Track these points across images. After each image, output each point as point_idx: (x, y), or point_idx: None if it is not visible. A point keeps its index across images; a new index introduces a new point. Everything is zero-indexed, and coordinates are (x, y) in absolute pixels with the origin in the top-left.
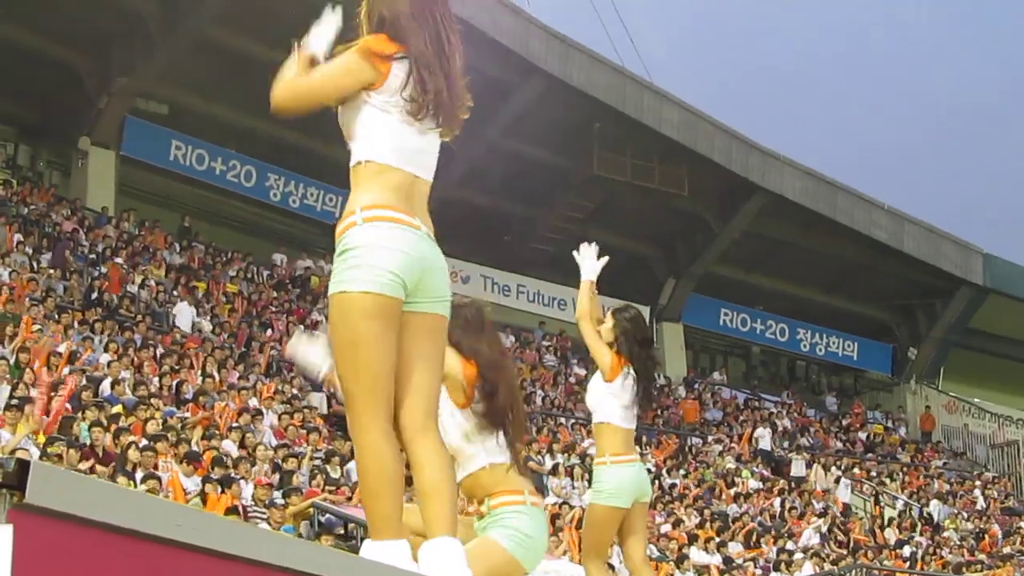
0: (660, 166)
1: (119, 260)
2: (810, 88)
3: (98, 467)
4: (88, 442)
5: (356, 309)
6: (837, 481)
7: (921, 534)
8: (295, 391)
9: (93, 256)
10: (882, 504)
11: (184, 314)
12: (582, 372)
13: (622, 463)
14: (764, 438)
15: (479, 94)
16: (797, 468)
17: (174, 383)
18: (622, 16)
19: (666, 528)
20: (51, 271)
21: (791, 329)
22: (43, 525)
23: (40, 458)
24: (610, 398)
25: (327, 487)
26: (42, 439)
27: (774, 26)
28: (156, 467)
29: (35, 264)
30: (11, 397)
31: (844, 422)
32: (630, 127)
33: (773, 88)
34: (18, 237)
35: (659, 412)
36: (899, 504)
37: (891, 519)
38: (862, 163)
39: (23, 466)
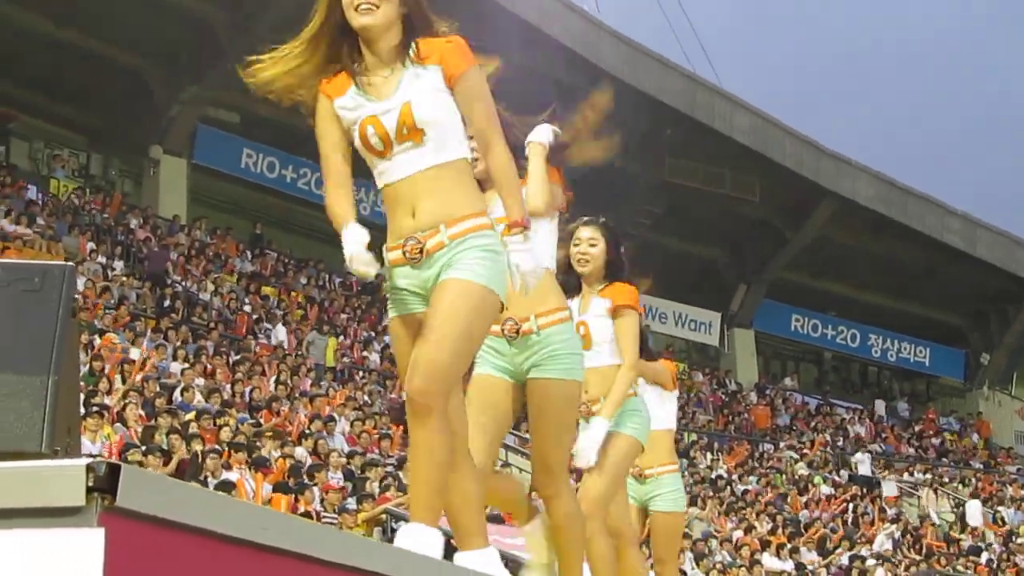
0: (731, 172)
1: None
2: (883, 89)
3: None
4: (164, 448)
5: (494, 309)
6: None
7: (995, 540)
8: (366, 397)
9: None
10: (958, 510)
11: (279, 332)
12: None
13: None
14: (864, 463)
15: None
16: (888, 489)
17: (247, 390)
18: (692, 21)
19: (738, 534)
20: (124, 278)
21: (863, 335)
22: (134, 529)
23: None
24: (671, 404)
25: (400, 493)
26: (115, 439)
27: (846, 25)
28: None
29: (108, 272)
30: (88, 404)
31: (916, 428)
32: (701, 133)
33: (845, 90)
34: (91, 245)
35: (730, 418)
36: (971, 509)
37: (964, 525)
38: (935, 166)
39: (114, 470)
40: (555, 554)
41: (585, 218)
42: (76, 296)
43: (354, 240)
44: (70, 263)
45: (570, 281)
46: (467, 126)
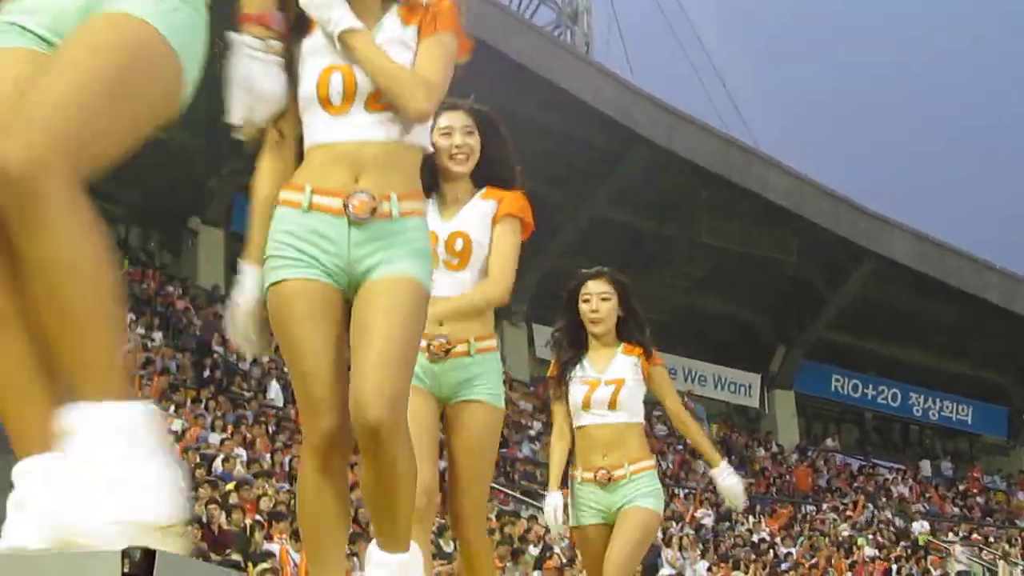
0: (768, 232)
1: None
2: (917, 149)
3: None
4: (204, 520)
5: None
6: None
7: None
8: None
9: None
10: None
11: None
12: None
13: None
14: (923, 528)
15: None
16: (951, 565)
17: (286, 459)
18: (725, 82)
19: None
20: (163, 349)
21: (904, 394)
22: None
23: None
24: (640, 393)
25: (438, 560)
26: None
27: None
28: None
29: (148, 343)
30: None
31: (961, 487)
32: (737, 194)
33: (878, 149)
34: (131, 316)
35: (772, 480)
36: (1019, 571)
37: None
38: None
39: (148, 556)
40: None
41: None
42: None
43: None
44: None
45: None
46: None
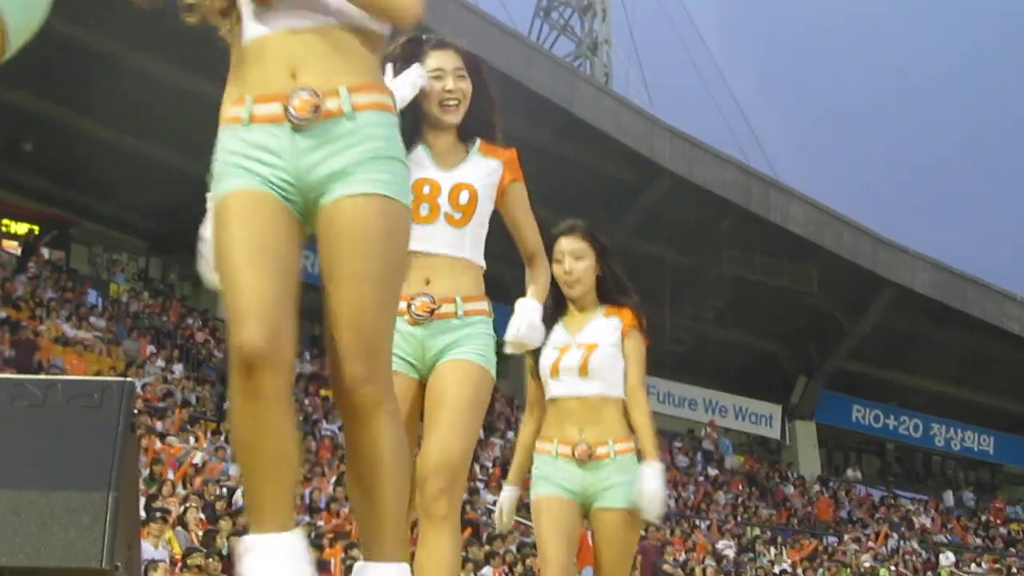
0: (789, 263)
1: None
2: (936, 178)
3: None
4: (225, 553)
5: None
6: None
7: None
8: None
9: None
10: None
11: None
12: (714, 472)
13: None
14: (949, 559)
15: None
16: None
17: (307, 491)
18: (744, 113)
19: None
20: (184, 381)
21: (925, 424)
22: None
23: (181, 570)
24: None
25: None
26: (179, 550)
27: (894, 117)
28: None
29: (168, 376)
30: (150, 509)
31: (983, 518)
32: (757, 225)
33: (899, 179)
34: (151, 348)
35: (793, 511)
36: None
37: None
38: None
39: None
40: None
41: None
42: (137, 395)
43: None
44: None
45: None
46: None
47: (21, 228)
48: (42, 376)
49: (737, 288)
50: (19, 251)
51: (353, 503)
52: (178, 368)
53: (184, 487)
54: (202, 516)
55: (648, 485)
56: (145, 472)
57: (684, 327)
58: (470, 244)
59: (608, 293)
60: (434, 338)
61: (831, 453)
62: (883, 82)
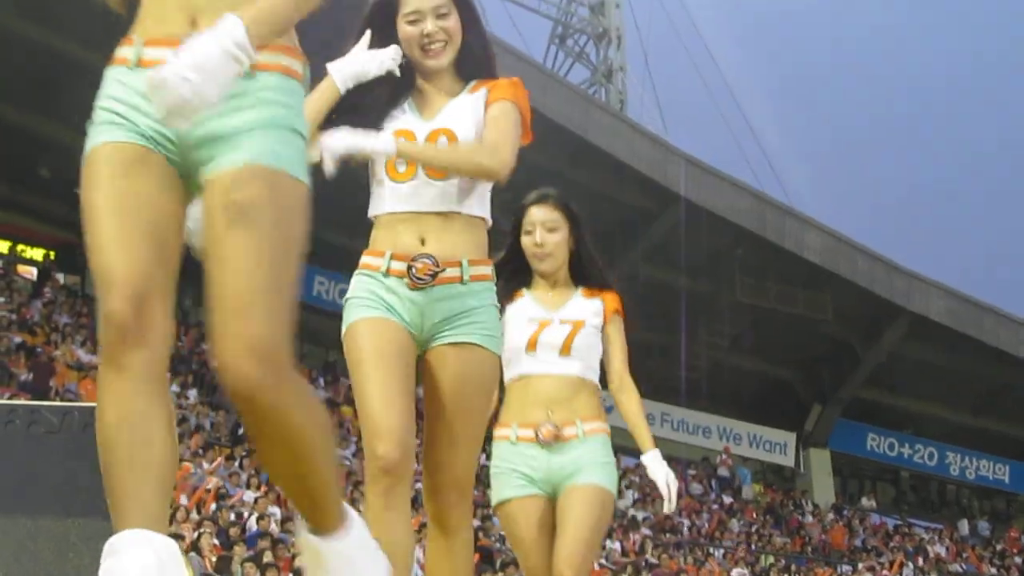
0: (803, 291)
1: None
2: (950, 203)
3: None
4: None
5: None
6: None
7: None
8: None
9: None
10: None
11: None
12: (729, 500)
13: None
14: None
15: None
16: None
17: None
18: (759, 139)
19: None
20: (200, 406)
21: (940, 453)
22: None
23: None
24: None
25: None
26: None
27: (908, 143)
28: None
29: (182, 401)
30: None
31: (998, 547)
32: (772, 252)
33: (913, 205)
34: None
35: (807, 540)
36: None
37: None
38: (1007, 279)
39: None
40: None
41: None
42: None
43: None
44: None
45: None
46: None
47: (37, 253)
48: (58, 403)
49: (752, 315)
50: (35, 276)
51: (284, 489)
52: (192, 393)
53: (198, 512)
54: (216, 542)
55: (660, 470)
56: None
57: (698, 354)
58: (460, 196)
59: (581, 269)
60: (434, 305)
61: (845, 481)
62: (897, 108)
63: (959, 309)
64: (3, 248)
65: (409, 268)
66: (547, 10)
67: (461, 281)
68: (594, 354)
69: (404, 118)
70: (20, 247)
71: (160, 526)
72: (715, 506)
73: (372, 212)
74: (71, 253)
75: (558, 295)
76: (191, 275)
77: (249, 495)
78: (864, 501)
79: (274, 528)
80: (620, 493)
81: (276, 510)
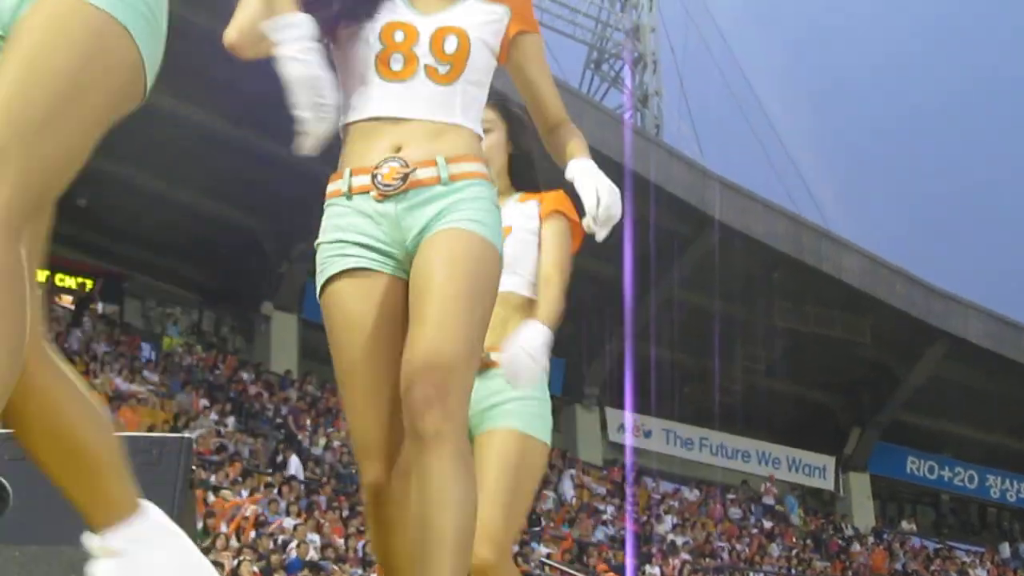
0: (841, 314)
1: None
2: (988, 225)
3: None
4: None
5: None
6: None
7: None
8: None
9: (279, 419)
10: None
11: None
12: (769, 524)
13: None
14: None
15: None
16: None
17: (360, 544)
18: (795, 162)
19: None
20: (238, 434)
21: (980, 476)
22: None
23: None
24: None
25: None
26: None
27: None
28: None
29: (221, 429)
30: None
31: None
32: (809, 276)
33: (951, 227)
34: (204, 402)
35: (848, 564)
36: None
37: None
38: None
39: None
40: None
41: None
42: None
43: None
44: (187, 435)
45: None
46: None
47: (75, 282)
48: None
49: (789, 339)
50: (73, 305)
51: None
52: (231, 421)
53: (237, 540)
54: (255, 569)
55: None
56: (198, 525)
57: (736, 378)
58: (461, 107)
59: (522, 175)
60: (412, 213)
61: (885, 505)
62: (935, 126)
63: (998, 331)
64: (41, 278)
65: (373, 177)
66: (582, 35)
67: (439, 181)
68: (530, 264)
69: (397, 11)
70: (58, 276)
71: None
72: (755, 530)
73: (345, 119)
74: (109, 282)
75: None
76: (231, 307)
77: (289, 522)
78: (904, 525)
79: (313, 555)
80: (659, 518)
81: (315, 537)
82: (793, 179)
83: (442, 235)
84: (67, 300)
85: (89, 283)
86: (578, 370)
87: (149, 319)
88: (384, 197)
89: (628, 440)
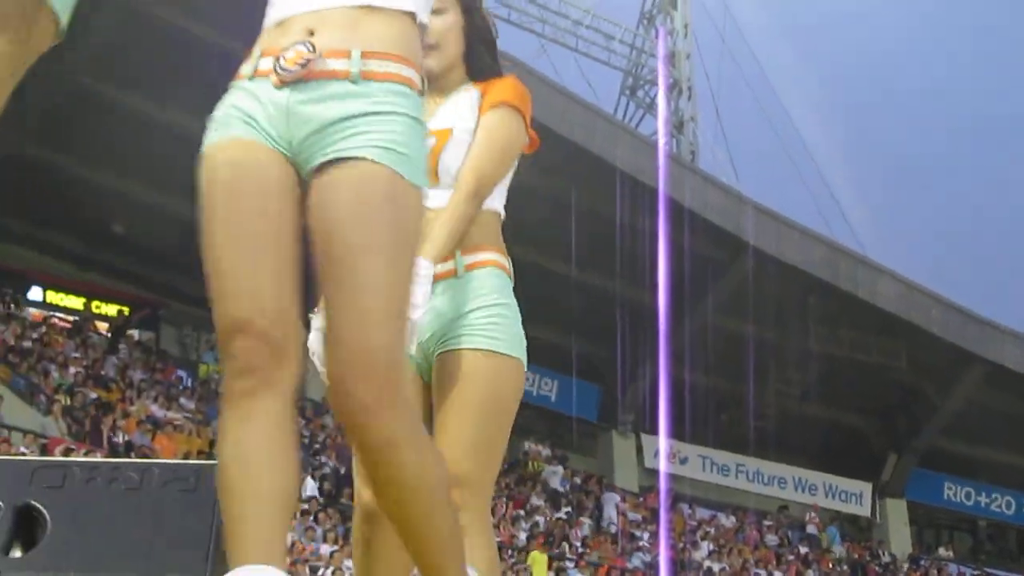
0: (876, 339)
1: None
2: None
3: None
4: None
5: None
6: None
7: None
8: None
9: (316, 446)
10: None
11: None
12: (805, 550)
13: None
14: None
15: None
16: None
17: None
18: (831, 188)
19: None
20: None
21: (1018, 501)
22: None
23: None
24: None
25: None
26: None
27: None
28: None
29: None
30: None
31: None
32: (845, 301)
33: (988, 252)
34: None
35: None
36: None
37: None
38: None
39: None
40: None
41: None
42: None
43: None
44: None
45: None
46: None
47: (111, 310)
48: (138, 460)
49: (824, 364)
50: (110, 333)
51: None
52: None
53: None
54: None
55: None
56: None
57: (772, 404)
58: None
59: (481, 62)
60: (306, 107)
61: (922, 531)
62: (969, 153)
63: None
64: (78, 304)
65: (277, 59)
66: (617, 62)
67: (348, 77)
68: None
69: None
70: (95, 303)
71: (273, 558)
72: (791, 556)
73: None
74: (145, 309)
75: (441, 102)
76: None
77: (325, 549)
78: (942, 551)
79: None
80: (695, 544)
81: (351, 564)
82: (828, 203)
83: (347, 172)
84: (104, 327)
85: (126, 310)
86: (613, 396)
87: (185, 346)
88: (283, 83)
89: (664, 466)
